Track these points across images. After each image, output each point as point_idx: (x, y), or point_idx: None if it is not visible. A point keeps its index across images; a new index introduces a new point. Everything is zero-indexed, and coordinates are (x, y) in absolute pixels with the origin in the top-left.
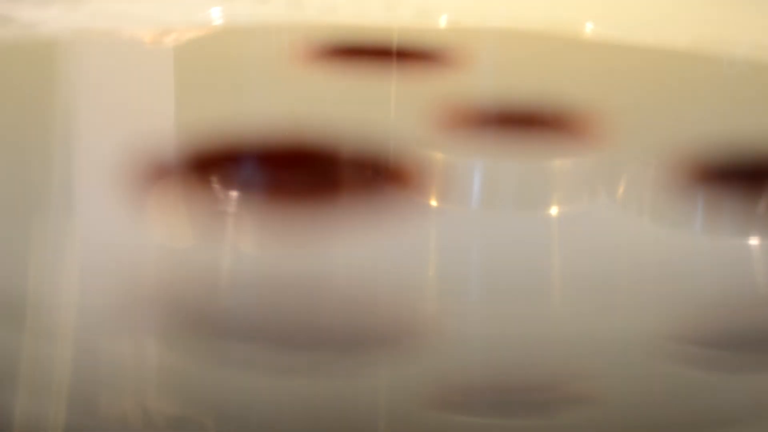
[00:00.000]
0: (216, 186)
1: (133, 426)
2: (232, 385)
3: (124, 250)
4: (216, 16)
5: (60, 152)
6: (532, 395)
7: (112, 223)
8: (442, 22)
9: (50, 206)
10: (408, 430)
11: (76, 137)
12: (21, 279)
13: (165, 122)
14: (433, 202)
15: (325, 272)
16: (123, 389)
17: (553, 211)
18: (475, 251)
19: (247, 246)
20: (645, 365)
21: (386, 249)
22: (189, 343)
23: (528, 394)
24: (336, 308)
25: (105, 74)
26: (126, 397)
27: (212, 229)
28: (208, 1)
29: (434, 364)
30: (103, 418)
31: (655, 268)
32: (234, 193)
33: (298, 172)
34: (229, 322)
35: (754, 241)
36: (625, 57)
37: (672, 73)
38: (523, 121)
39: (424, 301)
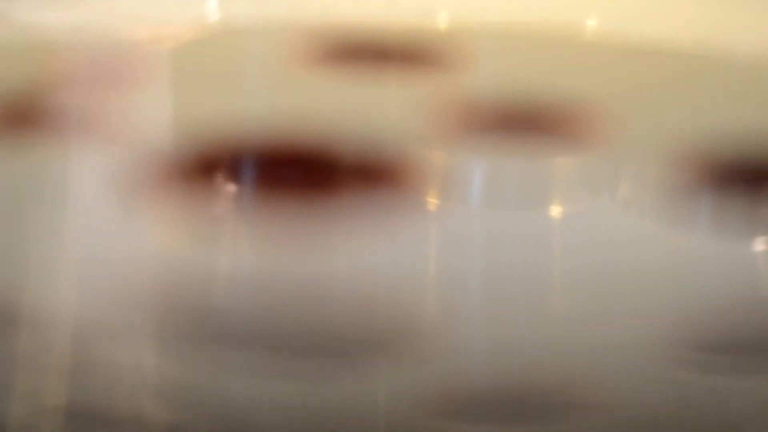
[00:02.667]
0: (214, 187)
1: (123, 417)
2: (229, 391)
3: (121, 253)
4: (214, 15)
5: (57, 154)
6: (534, 400)
7: (109, 225)
8: (442, 22)
9: (47, 209)
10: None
11: (73, 139)
12: (16, 284)
13: (163, 123)
14: (433, 203)
15: (324, 274)
16: (119, 395)
17: (555, 212)
18: (476, 253)
19: (246, 248)
20: (649, 370)
21: (386, 250)
22: (186, 348)
23: (530, 399)
24: (335, 311)
25: (103, 73)
26: (122, 403)
27: (210, 231)
28: (207, 1)
29: (435, 369)
30: (99, 424)
31: (659, 271)
32: (232, 194)
33: (298, 172)
34: (227, 327)
35: (759, 242)
36: (628, 56)
37: (675, 73)
38: (523, 121)
39: (424, 304)
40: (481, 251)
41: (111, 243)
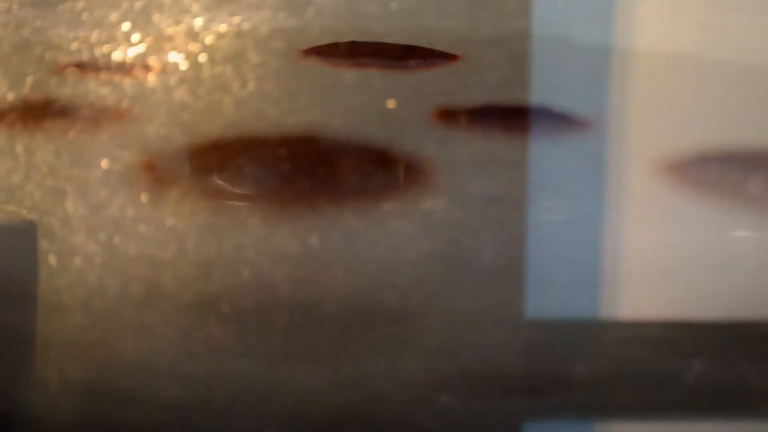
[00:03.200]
0: (219, 183)
1: (146, 409)
2: (245, 371)
3: (140, 238)
4: (218, 22)
5: (70, 150)
6: (526, 380)
7: (120, 219)
8: (441, 21)
9: (59, 205)
10: (409, 413)
11: (86, 135)
12: (38, 269)
13: (168, 122)
14: (432, 200)
15: (324, 266)
16: (139, 374)
17: (552, 208)
18: (473, 246)
19: (249, 241)
20: (641, 355)
21: (385, 244)
22: (197, 330)
23: (523, 380)
24: (335, 299)
25: (111, 72)
26: (141, 381)
27: (215, 223)
28: (209, 7)
29: (427, 350)
30: (118, 401)
31: (652, 265)
32: (235, 192)
33: (298, 171)
34: (233, 311)
35: (747, 233)
36: (626, 59)
37: (672, 77)
38: (521, 120)
39: (422, 291)
40: (477, 245)
41: (131, 229)
